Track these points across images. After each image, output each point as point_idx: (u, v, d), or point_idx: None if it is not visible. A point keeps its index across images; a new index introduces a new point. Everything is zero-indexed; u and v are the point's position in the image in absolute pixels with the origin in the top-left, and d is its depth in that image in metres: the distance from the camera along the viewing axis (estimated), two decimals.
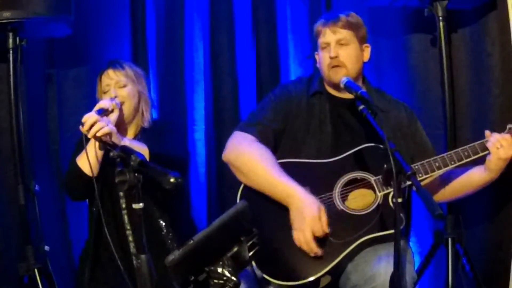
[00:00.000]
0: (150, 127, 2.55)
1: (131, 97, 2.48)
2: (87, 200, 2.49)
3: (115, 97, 2.42)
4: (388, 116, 2.28)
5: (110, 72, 2.49)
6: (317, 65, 2.38)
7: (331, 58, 2.25)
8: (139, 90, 2.53)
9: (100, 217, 2.30)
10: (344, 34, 2.26)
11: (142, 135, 2.53)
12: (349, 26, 2.27)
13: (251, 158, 2.17)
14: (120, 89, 2.47)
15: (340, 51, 2.25)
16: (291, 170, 2.14)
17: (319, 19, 2.35)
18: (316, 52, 2.38)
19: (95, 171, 2.26)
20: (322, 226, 2.01)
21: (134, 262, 1.89)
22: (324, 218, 2.02)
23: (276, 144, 2.27)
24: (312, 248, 2.01)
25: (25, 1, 2.37)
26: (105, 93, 2.49)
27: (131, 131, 2.53)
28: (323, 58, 2.30)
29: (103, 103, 2.31)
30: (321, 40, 2.30)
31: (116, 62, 2.54)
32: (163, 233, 2.41)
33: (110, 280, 2.36)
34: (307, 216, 2.01)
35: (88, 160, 2.18)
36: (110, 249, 2.33)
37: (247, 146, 2.21)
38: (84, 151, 2.24)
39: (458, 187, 2.30)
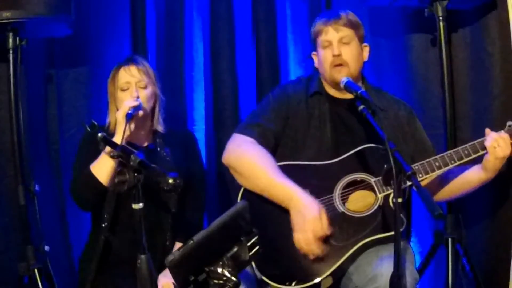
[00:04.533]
0: (169, 133, 2.46)
1: (149, 100, 2.36)
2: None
3: (138, 97, 2.30)
4: (387, 115, 2.28)
5: (133, 68, 2.35)
6: (316, 65, 2.36)
7: (334, 56, 2.22)
8: (156, 92, 2.41)
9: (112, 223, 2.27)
10: (346, 32, 2.24)
11: (160, 140, 2.44)
12: (351, 24, 2.25)
13: (251, 161, 2.16)
14: (140, 90, 2.34)
15: (343, 50, 2.23)
16: (291, 173, 2.13)
17: (318, 18, 2.32)
18: (314, 52, 2.36)
19: (110, 181, 2.18)
20: (322, 226, 2.00)
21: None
22: (324, 218, 2.01)
23: (276, 145, 2.26)
24: (313, 249, 2.00)
25: (25, 1, 2.37)
26: (123, 90, 2.34)
27: (145, 136, 2.43)
28: (324, 57, 2.26)
29: (133, 103, 2.21)
30: (323, 38, 2.26)
31: (138, 59, 2.39)
32: None
33: (117, 282, 2.30)
34: (307, 217, 2.00)
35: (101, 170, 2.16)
36: (119, 253, 2.30)
37: (246, 149, 2.20)
38: (99, 160, 2.19)
39: (456, 187, 2.30)
